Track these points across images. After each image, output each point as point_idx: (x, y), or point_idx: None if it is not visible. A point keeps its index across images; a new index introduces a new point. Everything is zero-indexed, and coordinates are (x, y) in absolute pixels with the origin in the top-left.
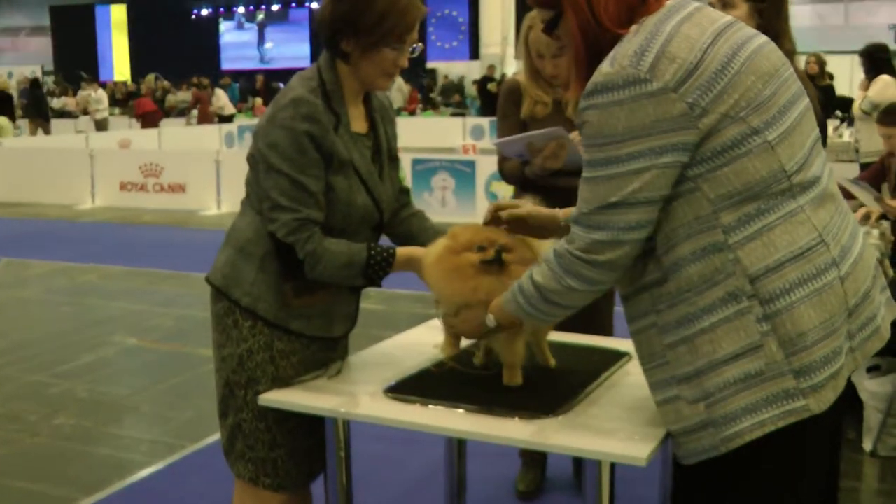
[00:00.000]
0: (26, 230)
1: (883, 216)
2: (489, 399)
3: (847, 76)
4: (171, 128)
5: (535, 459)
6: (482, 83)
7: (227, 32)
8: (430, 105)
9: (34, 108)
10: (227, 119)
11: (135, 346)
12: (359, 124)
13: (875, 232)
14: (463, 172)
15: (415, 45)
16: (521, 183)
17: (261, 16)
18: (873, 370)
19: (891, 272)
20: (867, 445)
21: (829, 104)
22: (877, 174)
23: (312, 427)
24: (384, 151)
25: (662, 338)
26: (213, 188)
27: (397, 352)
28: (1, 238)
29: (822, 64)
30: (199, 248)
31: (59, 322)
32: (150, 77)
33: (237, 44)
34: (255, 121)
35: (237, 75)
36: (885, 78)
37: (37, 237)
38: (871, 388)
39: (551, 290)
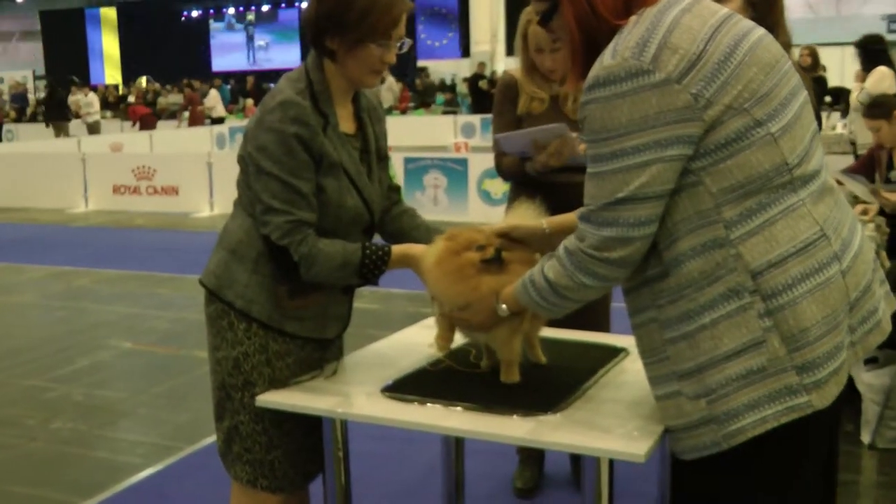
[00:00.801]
0: (19, 235)
1: (881, 211)
2: (487, 397)
3: (838, 68)
4: (163, 130)
5: (532, 457)
6: (473, 81)
7: (217, 34)
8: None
9: (56, 111)
10: (219, 121)
11: (130, 350)
12: (347, 125)
13: (870, 225)
14: (455, 171)
15: (402, 41)
16: (519, 179)
17: (250, 17)
18: (871, 362)
19: (887, 264)
20: (865, 438)
21: (822, 95)
22: (865, 166)
23: (309, 428)
24: (373, 151)
25: (663, 333)
26: (206, 190)
27: (393, 351)
28: None
29: (815, 56)
30: (193, 250)
31: (54, 326)
32: (142, 79)
33: (227, 45)
34: (246, 122)
35: (228, 77)
36: (881, 69)
37: (30, 242)
38: (868, 381)
39: (563, 285)
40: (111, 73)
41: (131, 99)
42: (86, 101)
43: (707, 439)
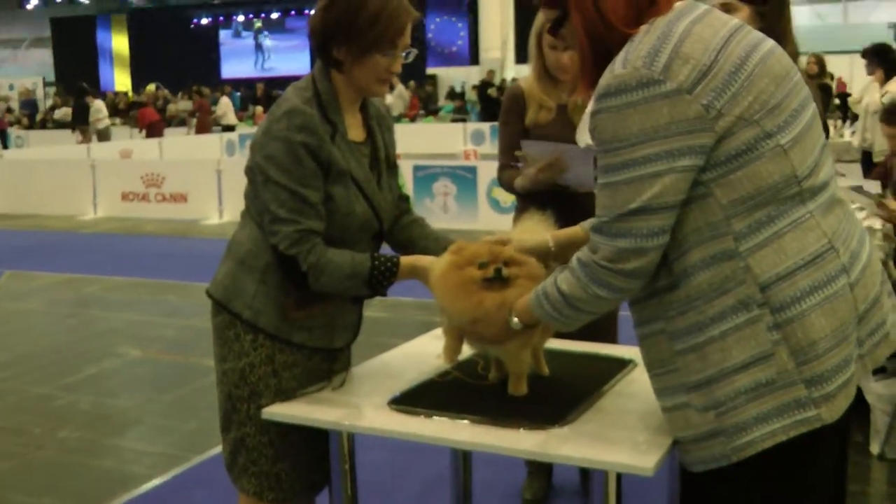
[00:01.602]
0: (28, 242)
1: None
2: (494, 409)
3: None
4: (173, 137)
5: (541, 468)
6: (482, 88)
7: (227, 41)
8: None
9: (81, 116)
10: (230, 128)
11: (138, 358)
12: (356, 133)
13: (879, 234)
14: (464, 178)
15: (408, 50)
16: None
17: (258, 24)
18: (879, 372)
19: (895, 274)
20: (875, 448)
21: (828, 103)
22: (881, 176)
23: (316, 439)
24: (382, 159)
25: (672, 345)
26: (215, 197)
27: (400, 362)
28: (3, 250)
29: (822, 64)
30: (201, 257)
31: (62, 334)
32: (151, 86)
33: (236, 52)
34: (255, 129)
35: (237, 84)
36: None
37: (39, 249)
38: (878, 391)
39: (577, 298)
40: (121, 80)
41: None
42: (95, 107)
43: (716, 452)
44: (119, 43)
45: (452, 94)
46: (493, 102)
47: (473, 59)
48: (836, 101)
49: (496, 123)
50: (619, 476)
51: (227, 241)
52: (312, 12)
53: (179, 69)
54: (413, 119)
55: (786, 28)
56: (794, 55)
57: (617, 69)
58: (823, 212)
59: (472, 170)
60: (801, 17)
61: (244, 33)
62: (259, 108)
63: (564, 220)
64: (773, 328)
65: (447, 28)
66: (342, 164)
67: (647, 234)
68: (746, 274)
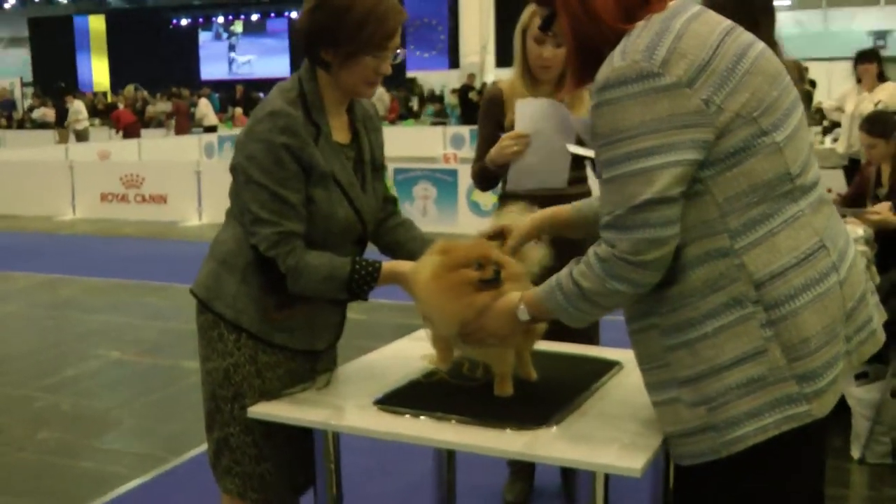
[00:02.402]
0: (6, 243)
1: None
2: (480, 410)
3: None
4: (151, 139)
5: (523, 470)
6: (463, 92)
7: (206, 43)
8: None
9: (60, 117)
10: (211, 129)
11: (118, 360)
12: (341, 134)
13: (861, 239)
14: (444, 181)
15: (397, 52)
16: (490, 186)
17: (237, 26)
18: (861, 377)
19: (877, 279)
20: (855, 453)
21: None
22: (858, 186)
23: (300, 440)
24: (367, 161)
25: (664, 340)
26: (194, 199)
27: (384, 363)
28: None
29: (802, 71)
30: (181, 259)
31: (41, 336)
32: (130, 88)
33: (215, 54)
34: (235, 131)
35: (216, 85)
36: (892, 84)
37: (17, 250)
38: (858, 395)
39: (595, 291)
40: (99, 81)
41: (120, 106)
42: (73, 108)
43: (705, 446)
44: (97, 43)
45: (432, 98)
46: (473, 106)
47: (453, 63)
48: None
49: (476, 127)
50: (606, 477)
51: (210, 242)
52: (298, 14)
53: (158, 70)
54: (393, 122)
55: (771, 36)
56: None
57: (616, 62)
58: (814, 210)
59: (453, 173)
60: (781, 24)
61: (223, 35)
62: (238, 110)
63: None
64: (766, 325)
65: (426, 32)
66: (324, 167)
67: (664, 224)
68: (741, 271)
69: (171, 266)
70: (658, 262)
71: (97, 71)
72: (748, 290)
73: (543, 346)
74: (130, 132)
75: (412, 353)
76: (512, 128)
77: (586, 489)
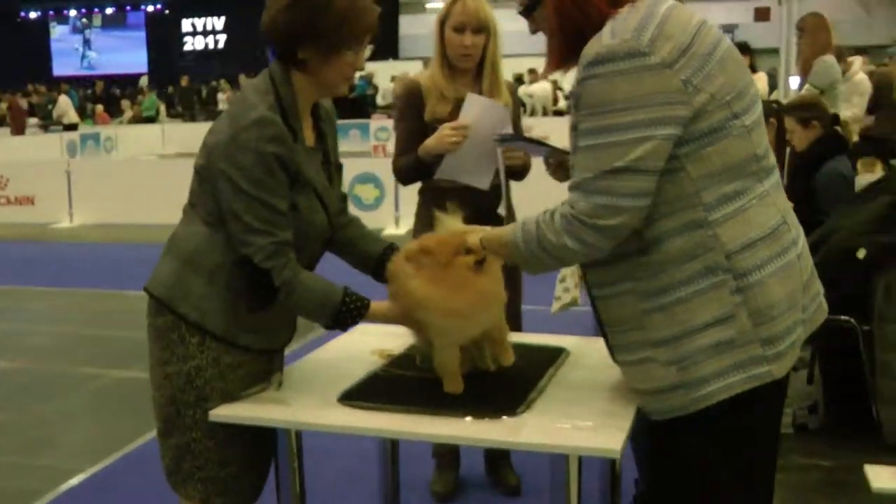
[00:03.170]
0: None
1: None
2: (447, 401)
3: None
4: (7, 138)
5: (449, 461)
6: None
7: (59, 37)
8: None
9: None
10: (72, 127)
11: (8, 369)
12: (309, 137)
13: None
14: None
15: (370, 46)
16: (412, 181)
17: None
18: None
19: None
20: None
21: None
22: None
23: (261, 440)
24: (332, 163)
25: (639, 304)
26: (65, 200)
27: (336, 358)
28: None
29: None
30: (60, 262)
31: None
32: None
33: (69, 49)
34: (97, 129)
35: (71, 81)
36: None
37: None
38: None
39: (548, 241)
40: None
41: None
42: None
43: (676, 402)
44: None
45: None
46: (348, 101)
47: None
48: None
49: (352, 122)
50: (580, 460)
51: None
52: (269, 12)
53: (6, 65)
54: None
55: None
56: None
57: (605, 40)
58: (776, 190)
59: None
60: None
61: (78, 28)
62: (100, 107)
63: (468, 215)
64: (736, 292)
65: None
66: (307, 174)
67: (625, 194)
68: (715, 242)
69: (49, 269)
70: (612, 229)
71: None
72: (721, 259)
73: None
74: None
75: (361, 348)
76: (435, 120)
77: (560, 475)
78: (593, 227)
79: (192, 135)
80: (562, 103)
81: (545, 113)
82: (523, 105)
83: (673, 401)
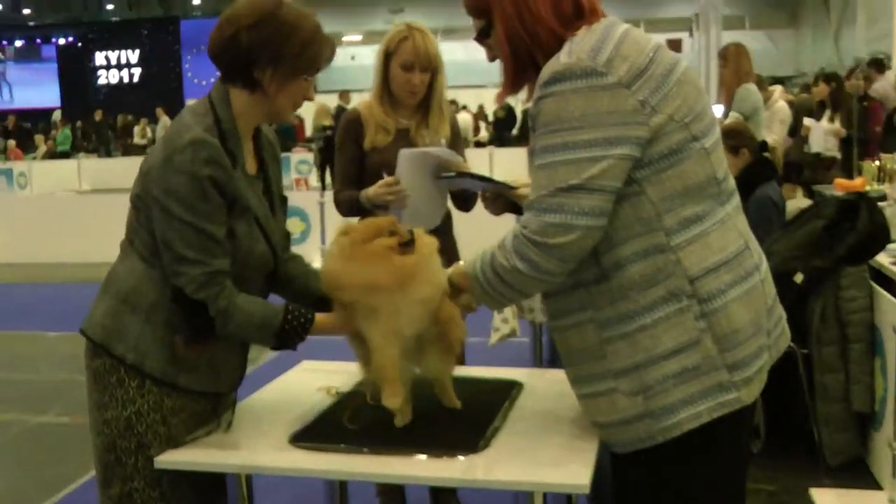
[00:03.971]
0: None
1: None
2: (405, 439)
3: None
4: None
5: (393, 497)
6: None
7: None
8: None
9: None
10: None
11: None
12: (250, 164)
13: None
14: None
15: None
16: (354, 214)
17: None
18: None
19: None
20: None
21: None
22: None
23: (207, 485)
24: (275, 193)
25: (600, 333)
26: None
27: (282, 397)
28: None
29: None
30: None
31: None
32: None
33: None
34: (9, 165)
35: None
36: None
37: None
38: None
39: (500, 265)
40: None
41: None
42: None
43: (642, 432)
44: None
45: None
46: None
47: None
48: None
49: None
50: (544, 496)
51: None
52: (223, 31)
53: None
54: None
55: None
56: None
57: (563, 59)
58: (736, 213)
59: None
60: None
61: None
62: (12, 142)
63: None
64: (700, 317)
65: (204, 61)
66: (246, 199)
67: (578, 212)
68: (677, 267)
69: None
70: (560, 248)
71: None
72: (683, 284)
73: None
74: None
75: (306, 386)
76: (373, 150)
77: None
78: (543, 246)
79: (109, 169)
80: (483, 134)
81: (466, 143)
82: None
83: (640, 430)
